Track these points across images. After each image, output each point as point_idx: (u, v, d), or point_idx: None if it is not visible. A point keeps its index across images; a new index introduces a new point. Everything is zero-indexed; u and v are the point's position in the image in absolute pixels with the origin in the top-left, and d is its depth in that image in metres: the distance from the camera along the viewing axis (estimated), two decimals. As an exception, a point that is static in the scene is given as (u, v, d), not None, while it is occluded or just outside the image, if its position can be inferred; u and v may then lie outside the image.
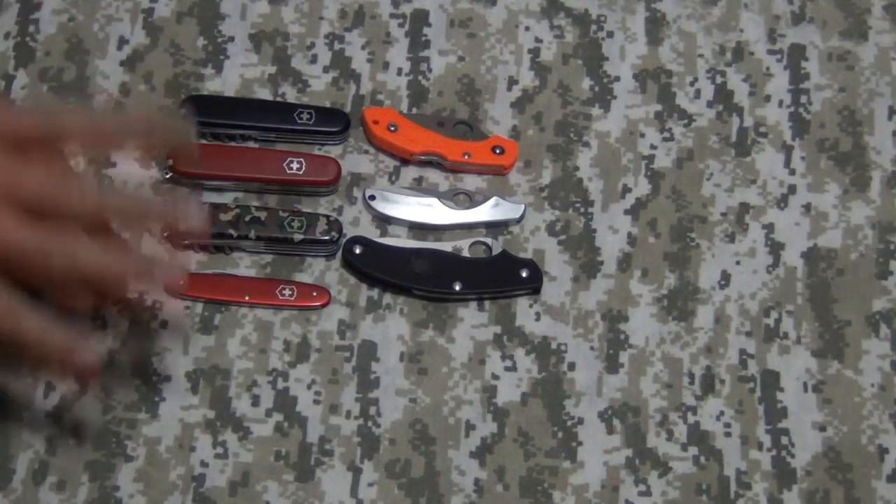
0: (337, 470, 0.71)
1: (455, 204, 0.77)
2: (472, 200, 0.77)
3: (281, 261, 0.75)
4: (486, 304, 0.75)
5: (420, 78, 0.81)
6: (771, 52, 0.83)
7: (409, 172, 0.78)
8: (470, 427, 0.73)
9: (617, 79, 0.82)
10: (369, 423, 0.72)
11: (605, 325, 0.75)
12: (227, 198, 0.76)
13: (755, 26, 0.84)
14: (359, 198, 0.77)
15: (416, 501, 0.71)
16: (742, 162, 0.80)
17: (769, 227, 0.78)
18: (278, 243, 0.75)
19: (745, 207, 0.79)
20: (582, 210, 0.78)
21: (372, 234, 0.77)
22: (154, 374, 0.72)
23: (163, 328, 0.73)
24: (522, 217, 0.77)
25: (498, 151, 0.78)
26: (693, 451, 0.73)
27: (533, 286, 0.75)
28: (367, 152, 0.79)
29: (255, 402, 0.72)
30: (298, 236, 0.74)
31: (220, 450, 0.71)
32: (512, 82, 0.81)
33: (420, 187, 0.78)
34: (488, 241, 0.76)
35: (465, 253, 0.76)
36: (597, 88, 0.81)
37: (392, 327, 0.74)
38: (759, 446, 0.73)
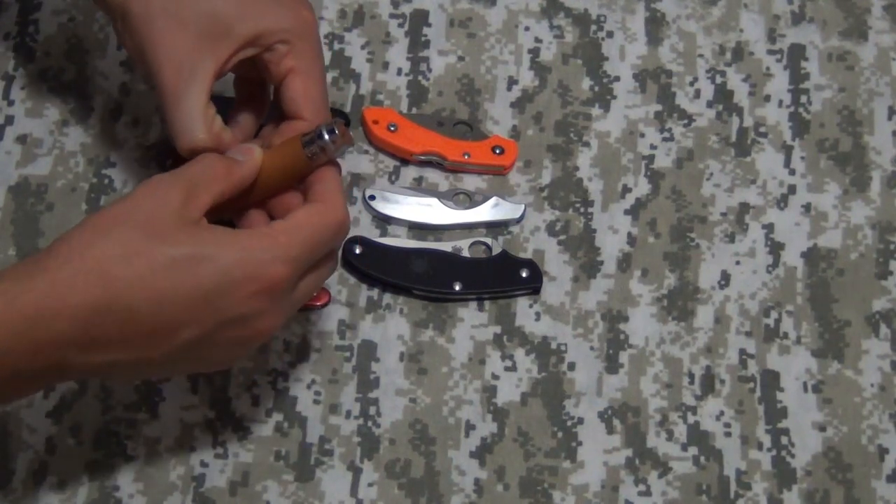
0: (337, 470, 0.71)
1: (455, 204, 0.77)
2: (471, 200, 0.77)
3: (281, 261, 0.75)
4: (486, 304, 0.75)
5: (420, 78, 0.81)
6: (771, 52, 0.83)
7: (409, 172, 0.78)
8: (470, 427, 0.73)
9: (617, 79, 0.82)
10: (369, 423, 0.72)
11: (605, 325, 0.75)
12: (226, 198, 0.76)
13: (755, 26, 0.84)
14: (359, 198, 0.77)
15: (416, 501, 0.71)
16: (742, 162, 0.80)
17: (769, 227, 0.78)
18: (278, 243, 0.75)
19: (745, 207, 0.79)
20: (582, 210, 0.78)
21: (372, 234, 0.76)
22: (154, 374, 0.72)
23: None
24: (522, 217, 0.77)
25: (498, 151, 0.78)
26: (693, 451, 0.73)
27: (533, 286, 0.75)
28: (366, 152, 0.79)
29: (255, 402, 0.72)
30: (298, 236, 0.74)
31: (220, 450, 0.71)
32: (512, 82, 0.81)
33: (420, 187, 0.78)
34: (488, 241, 0.76)
35: (465, 253, 0.76)
36: (597, 88, 0.81)
37: (392, 327, 0.74)
38: (759, 446, 0.73)
